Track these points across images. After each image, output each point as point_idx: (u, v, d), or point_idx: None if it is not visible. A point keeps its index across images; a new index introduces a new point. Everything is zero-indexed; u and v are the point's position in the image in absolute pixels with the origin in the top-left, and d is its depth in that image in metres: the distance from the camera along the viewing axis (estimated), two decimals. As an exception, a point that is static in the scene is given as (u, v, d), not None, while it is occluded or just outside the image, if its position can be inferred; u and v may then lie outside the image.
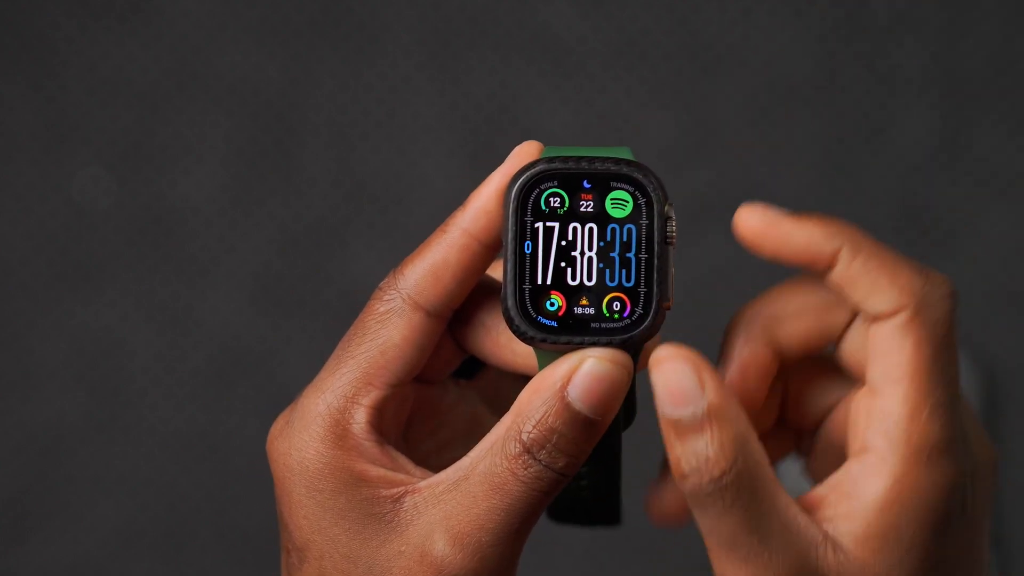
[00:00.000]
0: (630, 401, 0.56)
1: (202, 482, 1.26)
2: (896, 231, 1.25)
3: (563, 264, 0.54)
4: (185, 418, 1.26)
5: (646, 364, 0.56)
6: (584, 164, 0.54)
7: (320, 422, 0.56)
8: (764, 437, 0.60)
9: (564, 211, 0.54)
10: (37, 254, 1.26)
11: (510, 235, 0.54)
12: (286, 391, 1.26)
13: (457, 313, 0.58)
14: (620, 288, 0.54)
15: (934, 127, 1.24)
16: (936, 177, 1.25)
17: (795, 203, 1.25)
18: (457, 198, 1.33)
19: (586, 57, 1.25)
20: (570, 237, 0.54)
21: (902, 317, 0.55)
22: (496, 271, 0.59)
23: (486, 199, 0.56)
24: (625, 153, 0.55)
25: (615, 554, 1.26)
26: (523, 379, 0.59)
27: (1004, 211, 1.24)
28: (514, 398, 0.55)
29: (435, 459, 0.60)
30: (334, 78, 1.26)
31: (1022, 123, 1.24)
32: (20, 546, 1.26)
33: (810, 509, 0.56)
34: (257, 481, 1.26)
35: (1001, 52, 1.24)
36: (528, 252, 0.54)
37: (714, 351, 1.33)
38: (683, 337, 1.32)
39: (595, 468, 0.58)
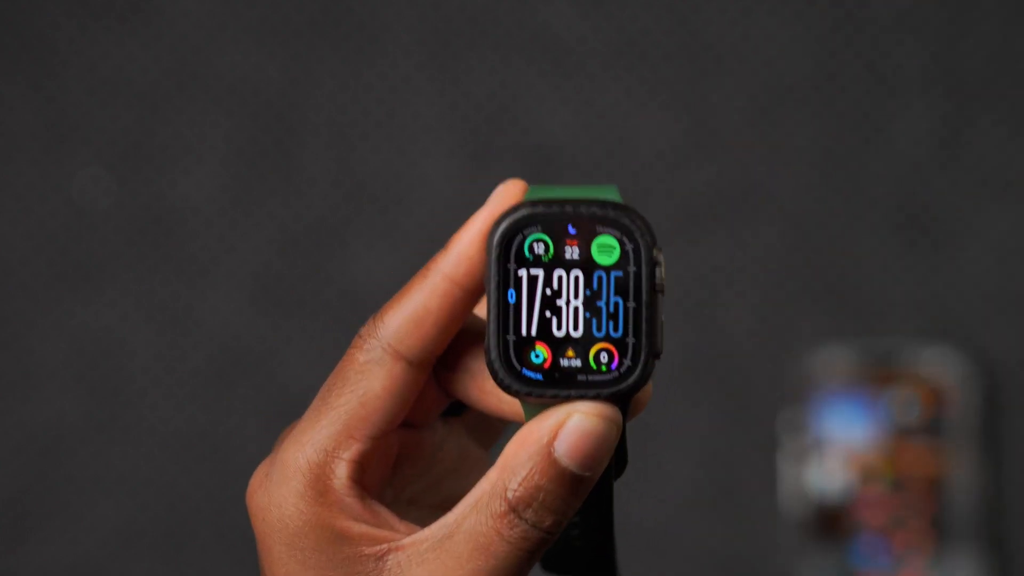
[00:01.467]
0: (621, 451, 0.54)
1: (202, 482, 1.26)
2: (896, 231, 1.25)
3: (548, 314, 0.52)
4: (185, 418, 1.26)
5: (637, 413, 0.55)
6: (568, 208, 0.52)
7: (300, 477, 0.54)
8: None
9: (549, 258, 0.52)
10: (37, 254, 1.26)
11: (492, 283, 0.52)
12: (286, 391, 1.26)
13: (442, 359, 0.56)
14: (607, 339, 0.52)
15: (934, 127, 1.24)
16: (936, 177, 1.25)
17: (795, 203, 1.25)
18: (457, 198, 1.33)
19: (586, 57, 1.25)
20: (555, 286, 0.52)
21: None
22: (482, 310, 0.56)
23: (468, 243, 0.54)
24: (612, 193, 0.53)
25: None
26: (512, 423, 0.57)
27: (1004, 211, 1.24)
28: (502, 432, 0.54)
29: (425, 498, 0.59)
30: (334, 78, 1.26)
31: (1022, 123, 1.24)
32: (20, 546, 1.26)
33: None
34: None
35: (1001, 52, 1.24)
36: (512, 302, 0.52)
37: (714, 351, 1.33)
38: (683, 336, 1.33)
39: (586, 520, 0.56)
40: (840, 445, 1.24)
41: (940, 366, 1.23)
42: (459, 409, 0.59)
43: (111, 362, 1.26)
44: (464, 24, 1.26)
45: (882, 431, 1.24)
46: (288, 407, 1.25)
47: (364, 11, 1.26)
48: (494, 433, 0.61)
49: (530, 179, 1.28)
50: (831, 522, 1.23)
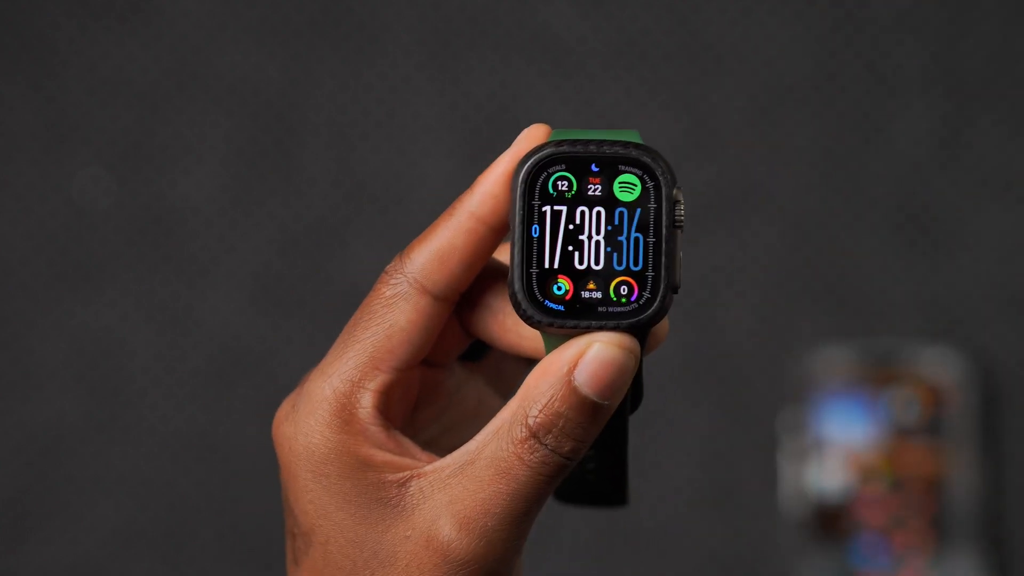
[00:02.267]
0: (637, 385, 0.56)
1: (202, 482, 1.26)
2: (896, 231, 1.25)
3: (570, 248, 0.54)
4: (185, 418, 1.26)
5: (654, 348, 0.56)
6: (592, 147, 0.54)
7: (326, 407, 0.56)
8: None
9: (572, 195, 0.54)
10: (37, 254, 1.26)
11: (517, 219, 0.54)
12: (286, 391, 1.25)
13: (464, 297, 0.57)
14: (627, 272, 0.54)
15: (934, 127, 1.24)
16: (936, 177, 1.25)
17: (795, 203, 1.25)
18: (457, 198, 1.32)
19: (586, 57, 1.25)
20: (577, 221, 0.54)
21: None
22: (503, 255, 0.58)
23: (493, 182, 0.55)
24: (634, 136, 0.55)
25: (614, 549, 1.26)
26: (528, 363, 0.59)
27: (1004, 211, 1.24)
28: (519, 381, 0.55)
29: (442, 442, 0.60)
30: (334, 78, 1.26)
31: (1022, 123, 1.24)
32: (20, 546, 1.26)
33: None
34: (257, 481, 1.26)
35: (1001, 52, 1.24)
36: (535, 236, 0.54)
37: (713, 351, 1.33)
38: (683, 336, 1.33)
39: (602, 452, 0.58)
40: (840, 445, 1.24)
41: (940, 366, 1.23)
42: (478, 354, 0.61)
43: (111, 362, 1.26)
44: (464, 24, 1.26)
45: (882, 431, 1.24)
46: (288, 407, 1.25)
47: (364, 11, 1.26)
48: (512, 384, 0.62)
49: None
50: (831, 522, 1.23)
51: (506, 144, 0.56)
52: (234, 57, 1.26)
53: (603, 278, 0.54)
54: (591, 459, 0.59)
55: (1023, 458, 1.24)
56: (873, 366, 1.24)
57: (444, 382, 0.60)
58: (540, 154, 0.54)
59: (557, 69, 1.25)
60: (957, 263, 1.24)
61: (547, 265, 0.54)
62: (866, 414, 1.24)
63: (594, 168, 0.54)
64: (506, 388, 0.62)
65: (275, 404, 1.36)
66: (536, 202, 0.54)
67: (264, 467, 1.26)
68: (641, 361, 0.55)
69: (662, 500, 1.25)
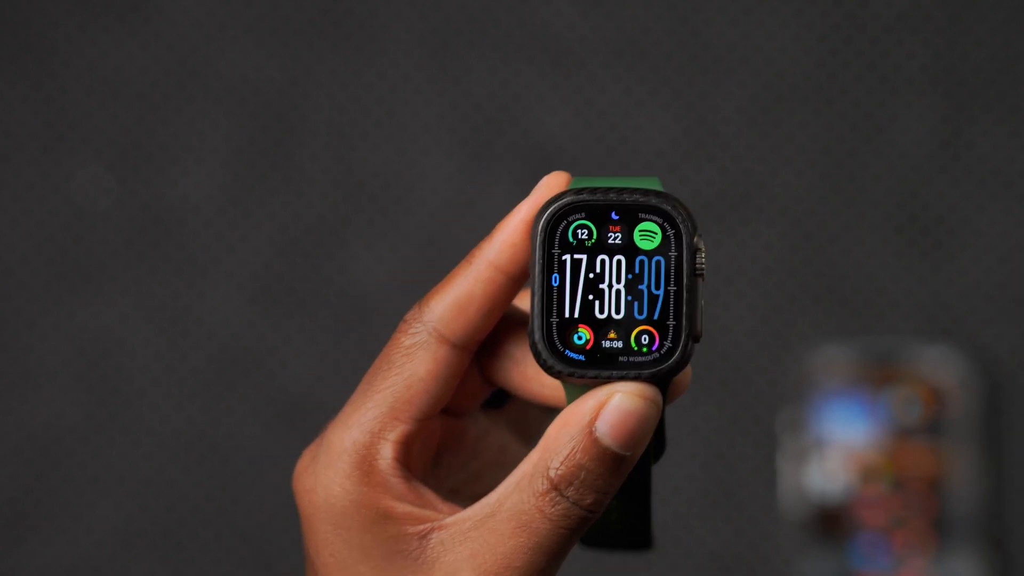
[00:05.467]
0: (659, 434, 0.56)
1: (202, 482, 1.26)
2: (896, 231, 1.25)
3: (591, 297, 0.53)
4: (185, 418, 1.26)
5: (676, 397, 0.56)
6: (612, 196, 0.54)
7: (346, 458, 0.56)
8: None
9: (592, 243, 0.54)
10: (37, 254, 1.26)
11: (537, 268, 0.53)
12: (286, 391, 1.26)
13: (484, 346, 0.57)
14: (649, 321, 0.53)
15: (934, 127, 1.24)
16: (936, 177, 1.25)
17: (795, 203, 1.25)
18: (457, 198, 1.33)
19: (586, 57, 1.25)
20: (598, 270, 0.53)
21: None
22: (523, 302, 0.58)
23: (512, 231, 0.55)
24: (654, 184, 0.54)
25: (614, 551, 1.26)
26: (552, 409, 0.59)
27: (1004, 211, 1.24)
28: (542, 428, 0.55)
29: (466, 490, 0.60)
30: (334, 78, 1.26)
31: (1022, 123, 1.24)
32: (20, 546, 1.26)
33: None
34: (257, 481, 1.26)
35: (1001, 52, 1.24)
36: (555, 285, 0.53)
37: (714, 351, 1.33)
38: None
39: (624, 502, 0.58)
40: (840, 445, 1.24)
41: (940, 366, 1.23)
42: (501, 401, 0.61)
43: (111, 362, 1.26)
44: (464, 24, 1.26)
45: (882, 431, 1.24)
46: (288, 407, 1.25)
47: (364, 11, 1.26)
48: (535, 429, 0.62)
49: (530, 178, 1.29)
50: (831, 522, 1.23)
51: (506, 144, 0.56)
52: (234, 57, 1.26)
53: (624, 327, 0.53)
54: (613, 509, 0.58)
55: (1023, 458, 1.24)
56: (873, 366, 1.24)
57: (467, 430, 0.60)
58: (560, 202, 0.54)
59: (557, 69, 1.25)
60: (957, 263, 1.24)
61: (567, 315, 0.53)
62: (866, 414, 1.24)
63: (614, 216, 0.54)
64: (530, 435, 0.62)
65: (275, 403, 1.36)
66: (556, 251, 0.54)
67: (264, 467, 1.26)
68: (663, 411, 0.54)
69: (662, 500, 1.25)
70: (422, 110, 1.26)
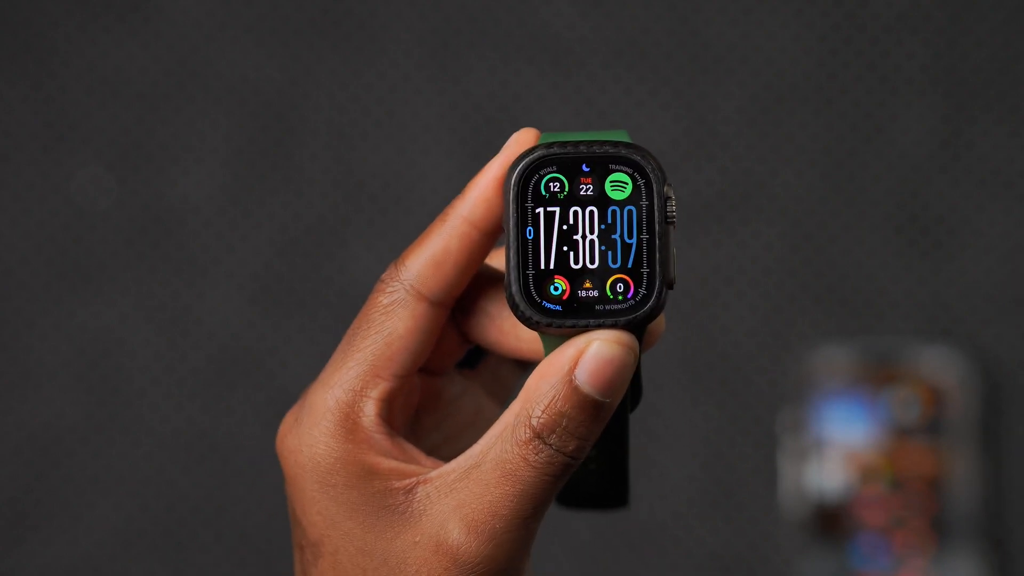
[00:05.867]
0: (636, 383, 0.57)
1: (202, 482, 1.26)
2: (896, 231, 1.25)
3: (565, 248, 0.54)
4: (185, 418, 1.26)
5: (651, 344, 0.57)
6: (582, 148, 0.55)
7: (329, 417, 0.57)
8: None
9: (564, 196, 0.54)
10: (37, 254, 1.26)
11: (511, 222, 0.54)
12: (286, 391, 1.26)
13: (460, 303, 0.58)
14: (623, 270, 0.54)
15: (934, 127, 1.24)
16: (936, 177, 1.25)
17: (795, 203, 1.25)
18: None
19: (586, 56, 1.25)
20: (571, 221, 0.54)
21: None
22: (496, 260, 0.59)
23: (485, 187, 0.56)
24: (622, 136, 0.55)
25: (614, 549, 1.26)
26: (526, 368, 0.60)
27: (1004, 211, 1.24)
28: (516, 387, 0.55)
29: (443, 450, 0.60)
30: (334, 78, 1.26)
31: (1022, 123, 1.24)
32: (20, 546, 1.26)
33: None
34: (257, 481, 1.26)
35: (1001, 52, 1.24)
36: (530, 238, 0.54)
37: (713, 351, 1.33)
38: (682, 336, 1.32)
39: (603, 451, 0.58)
40: (840, 445, 1.24)
41: (940, 366, 1.23)
42: (474, 361, 0.62)
43: (111, 362, 1.26)
44: (464, 24, 1.26)
45: (882, 431, 1.24)
46: (288, 407, 1.25)
47: (364, 11, 1.26)
48: (508, 391, 0.63)
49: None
50: (831, 522, 1.23)
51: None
52: (234, 57, 1.26)
53: (599, 277, 0.54)
54: (593, 459, 0.59)
55: (1023, 458, 1.24)
56: (873, 366, 1.24)
57: (444, 390, 0.60)
58: (531, 156, 0.55)
59: (557, 69, 1.25)
60: (957, 263, 1.24)
61: (543, 266, 0.54)
62: (866, 414, 1.24)
63: (585, 168, 0.55)
64: (504, 394, 0.63)
65: (275, 404, 1.36)
66: (529, 204, 0.54)
67: (264, 467, 1.26)
68: (640, 359, 0.55)
69: (662, 500, 1.25)
70: (422, 110, 1.26)
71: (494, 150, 1.39)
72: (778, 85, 1.25)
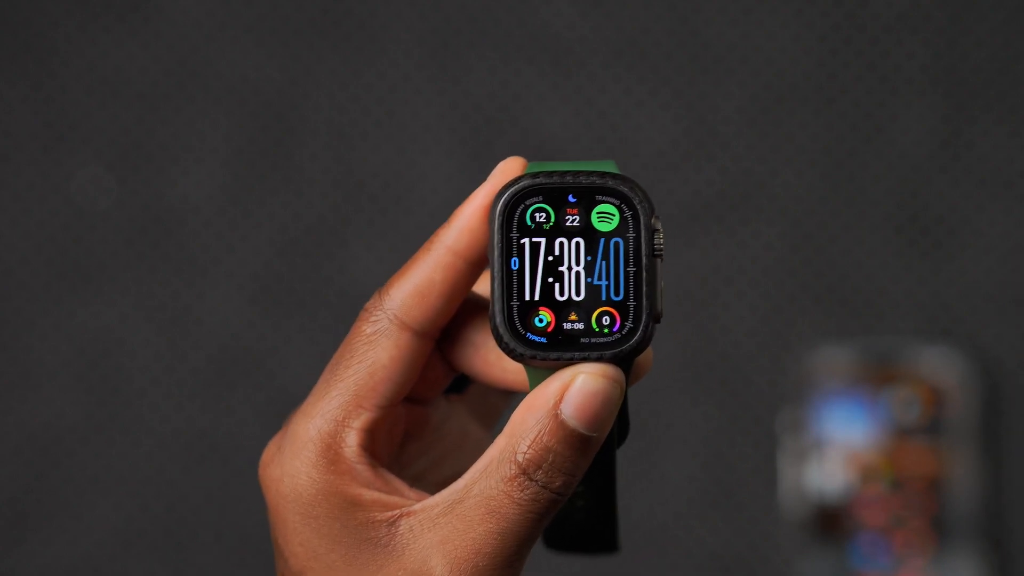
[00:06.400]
0: (623, 417, 0.56)
1: (202, 482, 1.26)
2: (896, 231, 1.25)
3: (551, 280, 0.54)
4: (185, 418, 1.26)
5: (638, 379, 0.56)
6: (569, 178, 0.54)
7: (311, 447, 0.56)
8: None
9: (550, 226, 0.54)
10: (37, 254, 1.26)
11: (496, 252, 0.53)
12: (286, 391, 1.26)
13: (445, 332, 0.57)
14: (609, 302, 0.54)
15: (934, 127, 1.24)
16: (936, 177, 1.25)
17: (795, 203, 1.25)
18: (457, 198, 1.33)
19: (586, 57, 1.25)
20: (557, 252, 0.54)
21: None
22: (483, 288, 0.58)
23: (470, 216, 0.55)
24: (610, 166, 0.54)
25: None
26: (513, 394, 0.59)
27: (1004, 211, 1.24)
28: (503, 412, 0.55)
29: (429, 476, 0.60)
30: (334, 78, 1.26)
31: (1022, 123, 1.24)
32: (20, 546, 1.26)
33: None
34: (257, 481, 1.26)
35: (1001, 52, 1.24)
36: (515, 268, 0.53)
37: (713, 351, 1.33)
38: (683, 336, 1.32)
39: (590, 487, 0.57)
40: (840, 445, 1.24)
41: (940, 366, 1.23)
42: (462, 386, 0.61)
43: (111, 362, 1.26)
44: (464, 24, 1.26)
45: (882, 431, 1.24)
46: (288, 407, 1.25)
47: (364, 11, 1.26)
48: (495, 414, 0.62)
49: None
50: (831, 522, 1.23)
51: (506, 144, 0.56)
52: (234, 57, 1.26)
53: (585, 309, 0.54)
54: (580, 495, 0.58)
55: (1023, 458, 1.24)
56: (873, 366, 1.24)
57: (430, 417, 0.59)
58: (517, 186, 0.54)
59: (557, 69, 1.25)
60: (957, 263, 1.24)
61: (528, 297, 0.54)
62: (866, 414, 1.24)
63: (571, 199, 0.54)
64: (491, 418, 0.62)
65: (275, 404, 1.36)
66: (515, 235, 0.54)
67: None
68: (627, 392, 0.55)
69: (662, 500, 1.25)
70: (422, 110, 1.26)
71: (494, 150, 1.40)
72: (778, 85, 1.25)
